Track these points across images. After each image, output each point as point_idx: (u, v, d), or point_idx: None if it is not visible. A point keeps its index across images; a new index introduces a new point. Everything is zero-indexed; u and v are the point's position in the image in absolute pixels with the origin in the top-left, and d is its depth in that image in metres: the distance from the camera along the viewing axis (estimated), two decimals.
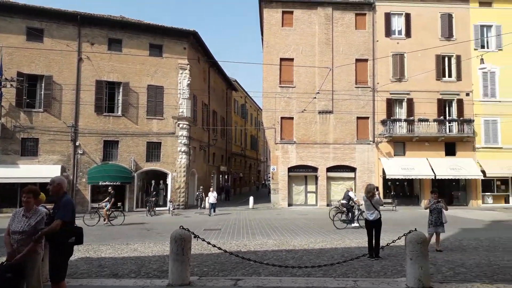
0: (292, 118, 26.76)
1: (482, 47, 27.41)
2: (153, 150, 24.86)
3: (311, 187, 27.16)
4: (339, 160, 26.73)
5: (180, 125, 25.16)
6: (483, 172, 25.75)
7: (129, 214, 21.14)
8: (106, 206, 17.55)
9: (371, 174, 26.59)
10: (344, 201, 16.47)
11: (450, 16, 27.43)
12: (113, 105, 24.30)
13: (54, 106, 22.74)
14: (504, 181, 27.35)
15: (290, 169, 26.62)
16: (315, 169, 26.72)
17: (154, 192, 23.25)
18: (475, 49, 26.98)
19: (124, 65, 24.26)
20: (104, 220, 17.34)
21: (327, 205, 25.82)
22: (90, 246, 10.92)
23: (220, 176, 36.34)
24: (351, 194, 16.58)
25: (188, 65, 25.68)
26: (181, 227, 6.65)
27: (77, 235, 5.01)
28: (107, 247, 10.93)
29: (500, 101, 27.01)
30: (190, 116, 25.85)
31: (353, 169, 26.87)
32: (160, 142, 24.89)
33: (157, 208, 22.54)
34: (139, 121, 24.57)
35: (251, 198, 26.11)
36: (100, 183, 22.53)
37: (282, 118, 26.71)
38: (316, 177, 26.84)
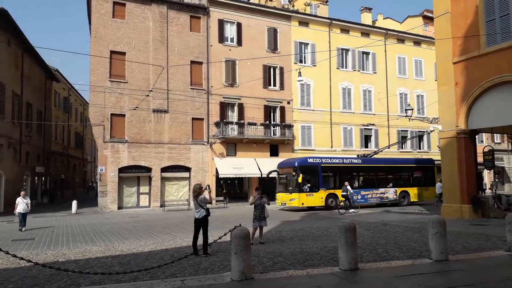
0: (124, 115, 25.24)
1: (301, 61, 31.38)
2: None
3: (144, 188, 26.16)
4: (175, 160, 26.54)
5: None
6: None
7: None
8: None
9: (205, 173, 27.27)
10: (344, 193, 20.40)
11: (275, 30, 30.49)
12: None
13: None
14: None
15: (121, 170, 25.06)
16: (149, 170, 25.84)
17: None
18: (295, 63, 30.70)
19: None
20: None
21: (161, 206, 25.37)
22: None
23: (36, 178, 31.58)
24: (348, 187, 20.42)
25: None
26: None
27: None
28: None
29: (313, 110, 31.41)
30: None
31: (188, 169, 27.05)
32: None
33: None
34: None
35: (74, 202, 23.45)
36: None
37: (112, 114, 24.90)
38: (150, 178, 25.99)
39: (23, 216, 15.45)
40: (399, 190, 24.92)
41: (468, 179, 15.82)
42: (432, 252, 7.37)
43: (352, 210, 20.23)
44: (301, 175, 21.75)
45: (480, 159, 17.44)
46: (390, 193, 24.59)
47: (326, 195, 22.50)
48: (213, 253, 9.15)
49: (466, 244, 9.71)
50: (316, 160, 23.11)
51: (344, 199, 20.62)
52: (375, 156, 26.48)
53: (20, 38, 25.89)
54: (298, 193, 21.73)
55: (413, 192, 25.31)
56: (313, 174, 22.63)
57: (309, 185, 22.08)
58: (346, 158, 24.82)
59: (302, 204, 21.73)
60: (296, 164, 22.30)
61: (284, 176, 23.62)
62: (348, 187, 20.59)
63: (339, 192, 22.03)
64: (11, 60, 25.21)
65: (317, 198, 22.20)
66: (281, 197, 23.28)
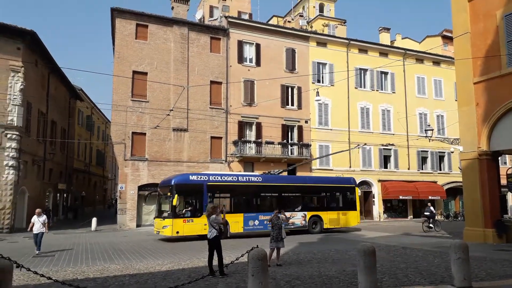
0: (144, 134, 25.72)
1: (318, 81, 31.53)
2: None
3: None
4: None
5: (9, 136, 21.51)
6: None
7: None
8: None
9: None
10: (427, 213, 22.65)
11: (293, 51, 30.84)
12: None
13: None
14: None
15: (141, 188, 25.35)
16: None
17: None
18: (312, 83, 30.87)
19: None
20: None
21: None
22: None
23: (58, 194, 32.26)
24: (431, 208, 23.02)
25: (23, 68, 22.37)
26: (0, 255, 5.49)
27: None
28: None
29: (331, 129, 31.35)
30: (22, 125, 22.39)
31: None
32: None
33: None
34: None
35: (94, 220, 23.81)
36: None
37: (133, 133, 25.42)
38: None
39: (38, 237, 13.53)
40: (309, 214, 20.81)
41: (491, 202, 15.38)
42: (454, 278, 7.18)
43: (433, 227, 22.25)
44: (176, 196, 17.28)
45: (503, 181, 16.94)
46: (298, 218, 20.36)
47: None
48: (230, 274, 9.12)
49: (491, 270, 9.39)
50: (201, 178, 18.56)
51: (427, 218, 22.59)
52: (284, 173, 23.54)
53: (47, 59, 26.92)
54: (172, 219, 17.05)
55: (327, 217, 21.30)
56: (197, 195, 18.36)
57: (190, 208, 18.05)
58: (243, 176, 20.59)
59: (177, 233, 17.15)
60: (172, 182, 17.85)
61: (164, 197, 18.99)
62: (432, 208, 23.04)
63: (233, 217, 17.93)
64: (38, 80, 26.18)
65: (199, 225, 17.23)
66: (157, 223, 18.62)
